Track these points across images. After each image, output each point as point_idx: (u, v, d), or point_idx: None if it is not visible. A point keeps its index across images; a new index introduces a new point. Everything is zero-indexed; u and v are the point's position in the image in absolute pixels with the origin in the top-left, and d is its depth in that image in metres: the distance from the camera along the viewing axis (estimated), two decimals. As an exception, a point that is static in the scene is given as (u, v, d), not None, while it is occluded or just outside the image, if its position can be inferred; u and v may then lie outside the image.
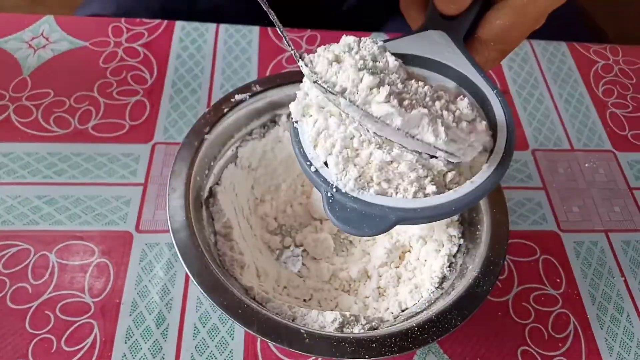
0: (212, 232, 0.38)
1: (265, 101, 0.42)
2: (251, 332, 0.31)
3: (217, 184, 0.41)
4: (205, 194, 0.39)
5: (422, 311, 0.35)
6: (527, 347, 0.39)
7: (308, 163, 0.29)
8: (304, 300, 0.38)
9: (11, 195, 0.43)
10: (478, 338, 0.39)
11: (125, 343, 0.37)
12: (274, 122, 0.43)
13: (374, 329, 0.34)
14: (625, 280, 0.43)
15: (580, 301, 0.42)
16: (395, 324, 0.34)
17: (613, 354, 0.39)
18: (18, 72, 0.51)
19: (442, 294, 0.36)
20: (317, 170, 0.29)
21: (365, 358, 0.30)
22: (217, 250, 0.37)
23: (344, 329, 0.33)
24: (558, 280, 0.43)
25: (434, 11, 0.33)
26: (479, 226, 0.38)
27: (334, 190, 0.28)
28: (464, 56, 0.33)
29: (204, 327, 0.38)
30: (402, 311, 0.36)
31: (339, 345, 0.30)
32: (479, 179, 0.29)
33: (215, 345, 0.37)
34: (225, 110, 0.40)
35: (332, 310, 0.36)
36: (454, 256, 0.38)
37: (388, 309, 0.37)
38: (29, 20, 0.55)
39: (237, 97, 0.40)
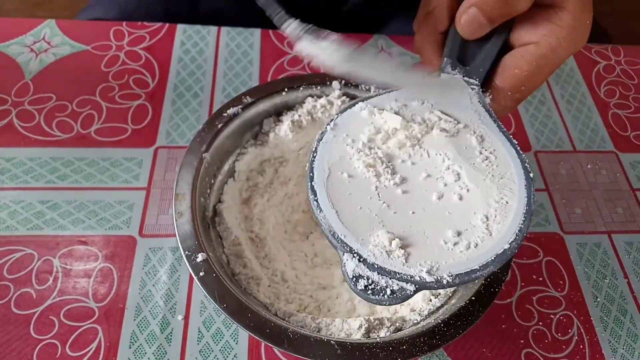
0: (222, 251, 0.38)
1: (256, 111, 0.42)
2: (284, 350, 0.31)
3: (220, 201, 0.40)
4: (210, 213, 0.39)
5: (442, 306, 0.35)
6: (530, 350, 0.39)
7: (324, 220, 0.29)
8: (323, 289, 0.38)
9: (14, 200, 0.43)
10: (482, 341, 0.39)
11: (130, 348, 0.37)
12: (265, 133, 0.43)
13: (399, 330, 0.34)
14: (628, 282, 0.43)
15: (584, 303, 0.42)
16: (419, 323, 0.34)
17: (617, 356, 0.39)
18: (20, 77, 0.51)
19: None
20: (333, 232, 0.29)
21: None
22: (230, 270, 0.37)
23: (371, 334, 0.33)
24: (561, 282, 0.43)
25: (451, 53, 0.33)
26: None
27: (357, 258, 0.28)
28: (487, 112, 0.33)
29: (208, 331, 0.38)
30: (419, 308, 0.36)
31: (370, 351, 0.31)
32: (497, 232, 0.29)
33: (220, 350, 0.37)
34: (219, 126, 0.40)
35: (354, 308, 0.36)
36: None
37: (408, 305, 0.37)
38: (31, 24, 0.55)
39: (230, 111, 0.40)
